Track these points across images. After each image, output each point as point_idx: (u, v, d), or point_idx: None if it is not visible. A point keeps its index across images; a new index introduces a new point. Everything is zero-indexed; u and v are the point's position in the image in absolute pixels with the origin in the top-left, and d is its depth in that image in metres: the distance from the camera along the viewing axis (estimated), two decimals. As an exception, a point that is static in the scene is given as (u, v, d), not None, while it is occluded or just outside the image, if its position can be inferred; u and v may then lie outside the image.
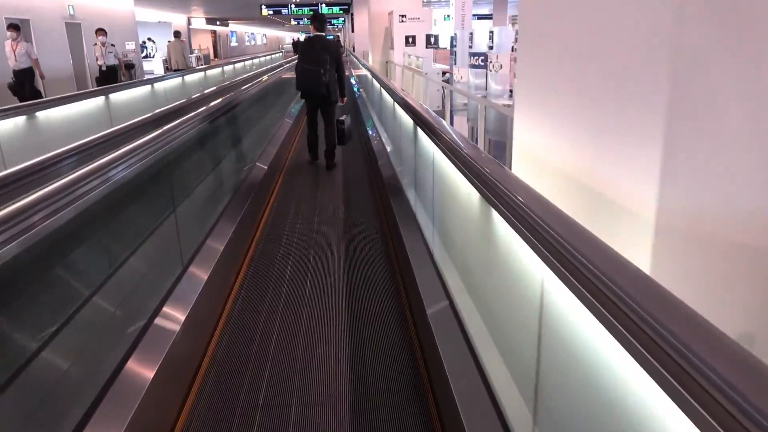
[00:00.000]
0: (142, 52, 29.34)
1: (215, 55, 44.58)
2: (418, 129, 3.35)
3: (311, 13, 25.42)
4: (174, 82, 10.19)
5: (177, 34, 16.19)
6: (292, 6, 25.11)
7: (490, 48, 5.11)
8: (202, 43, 41.38)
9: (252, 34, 59.22)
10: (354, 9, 25.10)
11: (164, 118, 4.71)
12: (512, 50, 4.99)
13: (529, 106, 2.69)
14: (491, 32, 5.09)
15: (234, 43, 50.15)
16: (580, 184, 2.24)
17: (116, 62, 11.97)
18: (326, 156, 5.74)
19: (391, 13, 12.25)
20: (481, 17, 39.47)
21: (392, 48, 12.30)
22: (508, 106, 4.80)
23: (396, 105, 4.77)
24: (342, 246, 3.70)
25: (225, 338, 2.57)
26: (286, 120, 8.23)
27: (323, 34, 5.61)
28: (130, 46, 19.65)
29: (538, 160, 2.67)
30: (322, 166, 5.95)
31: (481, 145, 5.09)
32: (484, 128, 4.94)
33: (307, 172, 5.82)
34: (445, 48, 12.45)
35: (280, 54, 24.69)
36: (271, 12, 25.30)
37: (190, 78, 11.36)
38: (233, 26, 48.84)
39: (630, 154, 1.82)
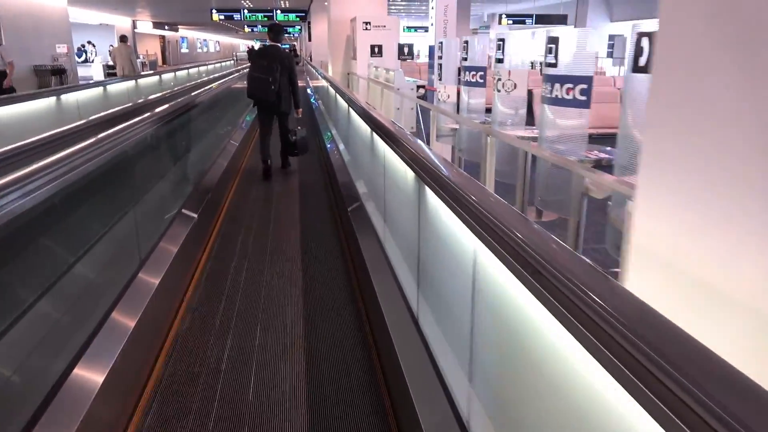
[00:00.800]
0: (80, 56, 27.01)
1: (164, 62, 42.23)
2: (426, 189, 2.00)
3: (265, 19, 23.81)
4: (94, 92, 8.50)
5: (123, 38, 14.42)
6: (245, 11, 23.44)
7: (499, 61, 3.82)
8: (150, 49, 39.03)
9: (204, 40, 56.90)
10: (312, 17, 23.66)
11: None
12: (535, 66, 3.83)
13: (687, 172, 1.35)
14: (501, 41, 3.79)
15: (185, 50, 47.89)
16: None
17: (5, 68, 9.85)
18: (281, 157, 6.02)
19: (353, 20, 10.89)
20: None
21: (355, 58, 10.94)
22: (529, 138, 3.49)
23: (375, 136, 3.41)
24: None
25: None
26: (231, 142, 6.74)
27: (278, 44, 5.71)
28: (62, 49, 17.58)
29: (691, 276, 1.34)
30: (276, 211, 4.69)
31: (489, 189, 3.78)
32: (493, 167, 3.63)
33: (256, 221, 4.37)
34: (407, 58, 11.17)
35: (231, 62, 22.92)
36: (222, 17, 23.56)
37: (116, 88, 9.64)
38: (184, 32, 46.56)
39: None
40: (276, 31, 5.84)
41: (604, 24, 23.75)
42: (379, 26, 10.57)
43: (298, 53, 44.97)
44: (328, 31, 12.92)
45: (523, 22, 23.33)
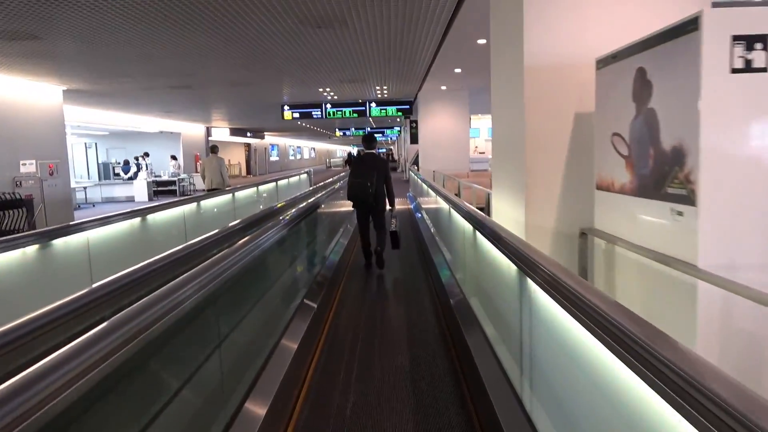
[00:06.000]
0: (126, 171, 20.96)
1: (248, 171, 36.74)
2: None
3: (355, 116, 16.32)
4: None
5: (214, 148, 11.26)
6: (327, 106, 16.22)
7: None
8: (233, 158, 33.61)
9: (298, 147, 52.27)
10: (419, 109, 15.93)
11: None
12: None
13: None
14: None
15: (275, 157, 42.69)
16: None
17: None
18: (376, 255, 6.19)
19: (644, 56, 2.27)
20: None
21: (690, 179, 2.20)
22: None
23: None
24: None
25: None
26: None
27: (373, 151, 6.23)
28: (28, 167, 10.59)
29: None
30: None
31: None
32: None
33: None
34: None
35: (305, 175, 15.35)
36: (296, 114, 16.48)
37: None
38: (275, 138, 41.57)
39: None
40: (369, 141, 6.30)
41: None
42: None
43: (395, 158, 38.36)
44: (497, 107, 4.53)
45: None
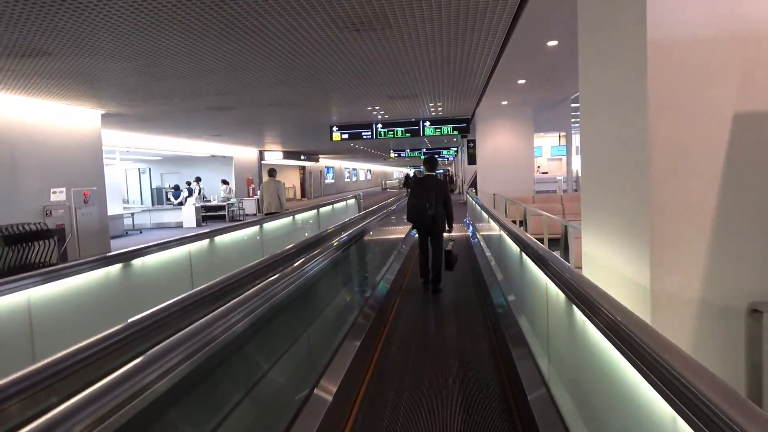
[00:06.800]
0: (177, 196, 20.63)
1: (303, 194, 36.33)
2: None
3: (408, 135, 14.90)
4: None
5: (272, 172, 11.01)
6: (378, 126, 15.15)
7: None
8: (288, 181, 33.25)
9: (354, 170, 51.85)
10: (477, 128, 14.56)
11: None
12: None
13: None
14: None
15: (330, 180, 42.28)
16: None
17: None
18: (432, 280, 6.22)
19: None
20: None
21: None
22: None
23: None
24: None
25: None
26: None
27: (433, 173, 6.39)
28: (58, 195, 10.00)
29: None
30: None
31: None
32: None
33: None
34: None
35: (353, 200, 14.22)
36: (345, 135, 15.49)
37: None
38: (331, 161, 41.20)
39: None
40: (431, 163, 6.46)
41: None
42: None
43: (454, 179, 36.93)
44: (591, 110, 3.18)
45: None
